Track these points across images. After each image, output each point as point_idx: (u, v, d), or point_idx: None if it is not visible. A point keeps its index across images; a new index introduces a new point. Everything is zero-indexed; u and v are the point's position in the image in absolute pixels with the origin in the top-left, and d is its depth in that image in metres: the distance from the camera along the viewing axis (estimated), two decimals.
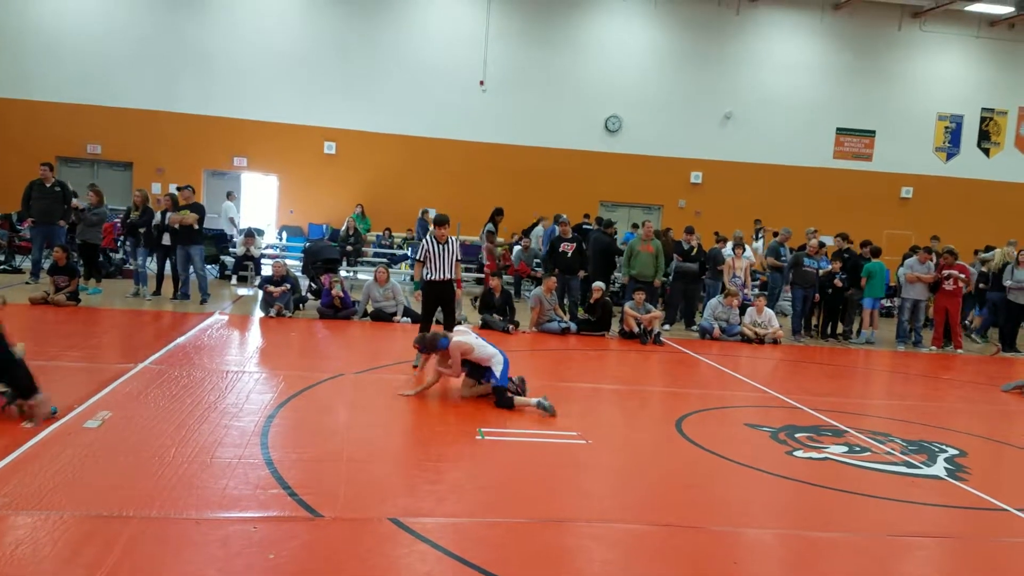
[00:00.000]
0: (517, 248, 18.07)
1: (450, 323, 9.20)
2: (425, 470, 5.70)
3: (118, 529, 4.24)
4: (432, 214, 12.01)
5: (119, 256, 15.90)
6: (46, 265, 14.16)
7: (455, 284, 9.29)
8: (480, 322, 12.66)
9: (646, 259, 13.66)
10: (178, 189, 13.44)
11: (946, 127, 23.44)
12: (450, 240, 9.15)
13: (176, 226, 12.79)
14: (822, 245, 14.89)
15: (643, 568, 4.39)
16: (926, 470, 6.59)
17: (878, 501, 5.77)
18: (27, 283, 13.37)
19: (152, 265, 13.58)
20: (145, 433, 5.99)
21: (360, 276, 18.09)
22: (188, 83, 19.98)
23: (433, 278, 9.09)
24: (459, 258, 9.33)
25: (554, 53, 21.59)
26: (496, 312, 12.71)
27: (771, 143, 22.30)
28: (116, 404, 6.61)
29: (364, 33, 20.81)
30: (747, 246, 15.72)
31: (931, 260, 14.30)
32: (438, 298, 9.21)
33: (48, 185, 13.55)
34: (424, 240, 9.22)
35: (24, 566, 3.75)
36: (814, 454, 6.81)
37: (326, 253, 15.31)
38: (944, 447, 7.35)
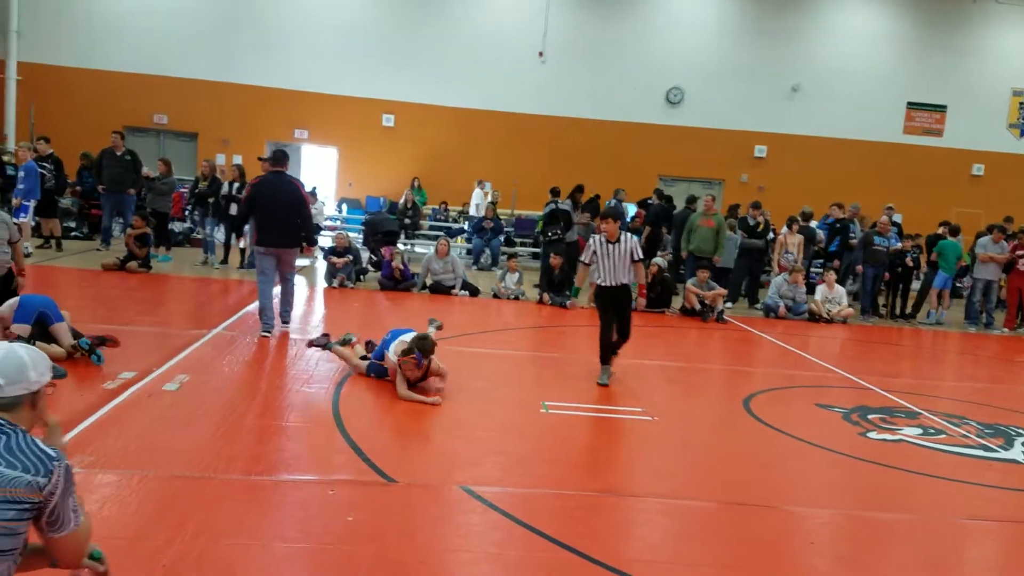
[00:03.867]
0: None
1: (624, 339, 7.83)
2: (491, 441, 5.72)
3: (201, 489, 4.35)
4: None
5: (186, 225, 16.23)
6: (116, 232, 14.56)
7: (633, 289, 7.80)
8: (538, 297, 12.65)
9: (706, 234, 13.42)
10: (260, 160, 13.58)
11: (1021, 103, 22.50)
12: (623, 238, 7.61)
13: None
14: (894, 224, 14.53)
15: (717, 545, 4.35)
16: (1003, 454, 6.41)
17: (954, 484, 5.65)
18: (98, 250, 13.73)
19: (220, 235, 13.83)
20: (221, 397, 6.13)
21: (417, 249, 18.20)
22: (251, 55, 20.18)
23: (603, 283, 7.68)
24: (639, 258, 7.71)
25: (615, 23, 21.24)
26: (555, 289, 12.67)
27: (839, 116, 21.67)
28: (192, 368, 6.77)
29: (424, 5, 20.73)
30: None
31: (1004, 240, 13.86)
32: (612, 306, 7.72)
33: (119, 153, 13.85)
34: (591, 239, 7.83)
35: (111, 524, 3.86)
36: (888, 436, 6.66)
37: (386, 226, 15.39)
38: (1021, 431, 7.13)
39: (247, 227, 9.98)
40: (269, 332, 8.32)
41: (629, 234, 7.71)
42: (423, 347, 6.51)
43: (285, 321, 8.73)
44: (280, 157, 8.78)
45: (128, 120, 19.43)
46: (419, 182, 20.02)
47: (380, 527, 4.12)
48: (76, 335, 6.73)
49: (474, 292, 12.78)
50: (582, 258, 7.97)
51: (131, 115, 19.77)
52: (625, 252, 7.55)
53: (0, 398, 2.30)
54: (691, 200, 15.24)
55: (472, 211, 19.39)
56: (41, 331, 6.61)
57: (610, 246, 7.55)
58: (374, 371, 6.96)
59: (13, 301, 6.72)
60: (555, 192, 15.40)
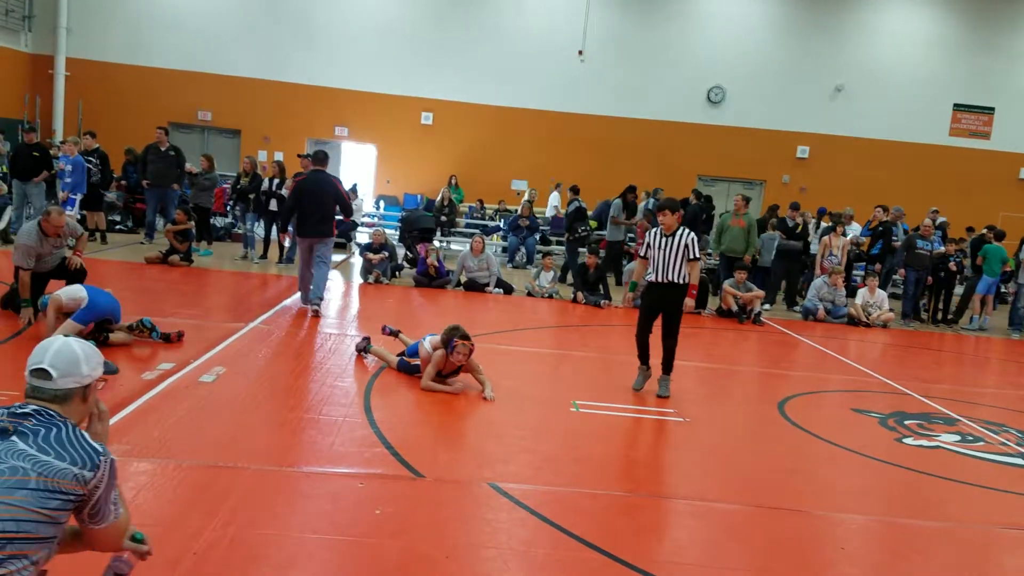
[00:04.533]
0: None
1: (670, 339, 7.24)
2: (521, 439, 5.73)
3: (233, 479, 4.43)
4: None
5: (227, 220, 16.48)
6: (159, 226, 14.83)
7: (685, 290, 7.16)
8: (572, 296, 12.62)
9: (737, 234, 13.32)
10: (299, 156, 13.79)
11: None
12: (679, 232, 7.11)
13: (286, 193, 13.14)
14: (937, 226, 14.26)
15: (745, 548, 4.31)
16: None
17: (991, 492, 5.53)
18: (142, 243, 14.00)
19: (260, 230, 14.03)
20: (257, 389, 6.22)
21: (453, 247, 18.26)
22: (294, 53, 20.41)
23: (652, 279, 7.24)
24: (695, 256, 7.13)
25: (657, 22, 21.11)
26: (590, 288, 12.64)
27: (883, 118, 21.30)
28: (229, 360, 6.88)
29: (464, 3, 20.79)
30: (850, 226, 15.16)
31: None
32: (657, 305, 7.27)
33: (163, 149, 14.10)
34: (648, 233, 7.39)
35: (146, 511, 3.94)
36: (925, 442, 6.55)
37: (422, 223, 15.50)
38: None
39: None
40: (306, 304, 9.54)
41: (687, 229, 7.18)
42: (463, 333, 6.65)
43: (314, 306, 9.35)
44: (321, 157, 9.82)
45: (173, 116, 19.79)
46: (456, 180, 20.09)
47: (408, 521, 4.16)
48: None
49: (508, 290, 12.80)
50: (639, 251, 7.58)
51: (176, 111, 20.12)
52: (679, 247, 7.04)
53: (53, 390, 2.34)
54: (773, 210, 15.03)
55: (549, 212, 19.32)
56: (98, 327, 6.83)
57: (664, 239, 7.11)
58: (404, 368, 7.03)
59: (80, 296, 6.79)
60: (575, 190, 15.49)
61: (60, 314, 6.73)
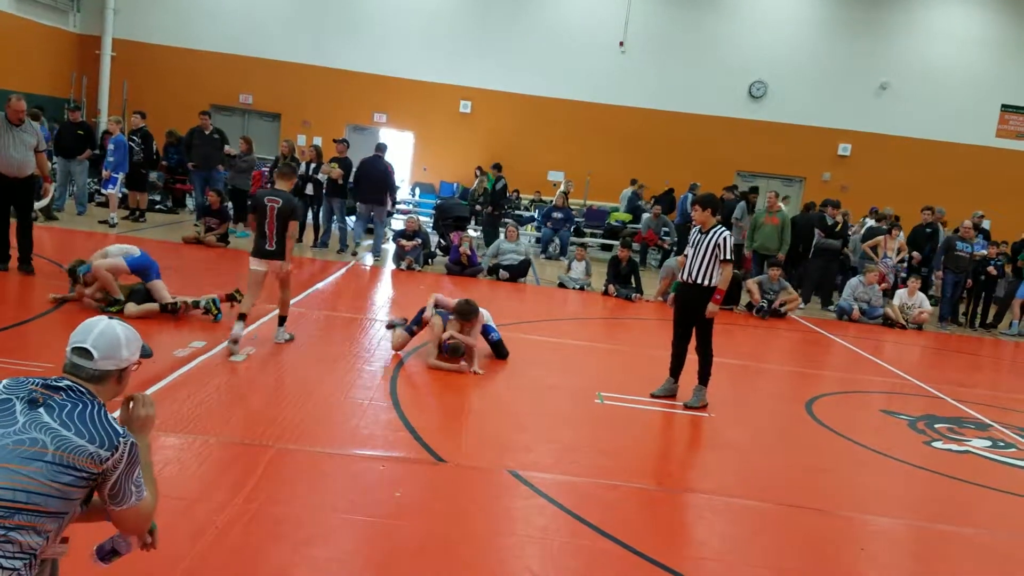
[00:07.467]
0: (646, 216, 17.78)
1: (701, 348, 6.77)
2: (543, 428, 5.76)
3: (258, 457, 4.50)
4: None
5: None
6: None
7: (708, 293, 6.52)
8: (603, 288, 12.58)
9: (770, 231, 13.16)
10: (334, 141, 13.92)
11: None
12: (712, 230, 6.55)
13: (323, 178, 13.27)
14: (978, 229, 13.96)
15: (764, 546, 4.30)
16: None
17: (1019, 499, 5.43)
18: (196, 225, 14.10)
19: None
20: (285, 369, 6.31)
21: None
22: (335, 39, 20.53)
23: (681, 278, 6.77)
24: (727, 257, 6.49)
25: (699, 14, 20.86)
26: (621, 281, 12.58)
27: (928, 117, 20.87)
28: (260, 341, 6.99)
29: None
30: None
31: None
32: (684, 306, 6.73)
33: (207, 132, 14.27)
34: (693, 230, 6.89)
35: (171, 485, 4.02)
36: (954, 446, 6.45)
37: (456, 211, 15.53)
38: None
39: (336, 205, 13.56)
40: (345, 249, 13.10)
41: (723, 228, 6.60)
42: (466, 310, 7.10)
43: (376, 255, 13.21)
44: (382, 147, 13.31)
45: (215, 99, 20.03)
46: (483, 169, 20.03)
47: (427, 505, 4.21)
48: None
49: (523, 273, 12.87)
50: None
51: (218, 94, 20.36)
52: (709, 246, 6.48)
53: (91, 369, 2.37)
54: (810, 208, 14.82)
55: (623, 208, 19.36)
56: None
57: (700, 237, 6.62)
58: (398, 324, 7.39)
59: (119, 260, 7.49)
60: (499, 167, 16.54)
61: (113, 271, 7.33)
